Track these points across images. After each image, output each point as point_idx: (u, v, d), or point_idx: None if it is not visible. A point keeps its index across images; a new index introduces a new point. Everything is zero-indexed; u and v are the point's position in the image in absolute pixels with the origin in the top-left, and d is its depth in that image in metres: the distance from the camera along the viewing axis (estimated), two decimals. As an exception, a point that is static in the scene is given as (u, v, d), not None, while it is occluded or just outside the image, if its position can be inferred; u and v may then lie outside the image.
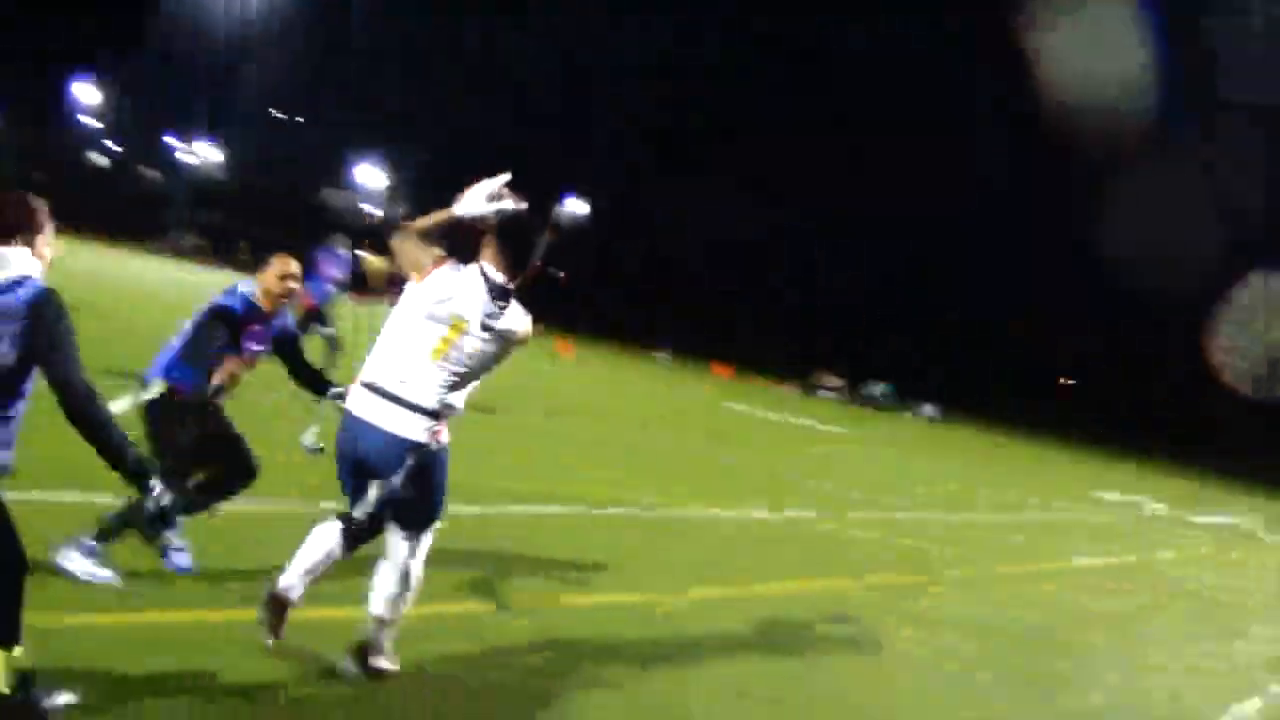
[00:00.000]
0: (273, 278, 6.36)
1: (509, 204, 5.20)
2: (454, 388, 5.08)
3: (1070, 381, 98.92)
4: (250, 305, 6.30)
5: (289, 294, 6.44)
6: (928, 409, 60.18)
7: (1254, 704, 8.87)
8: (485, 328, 5.06)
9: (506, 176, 5.25)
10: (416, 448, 4.99)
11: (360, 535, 5.16)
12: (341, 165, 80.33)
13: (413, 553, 5.21)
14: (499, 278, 5.12)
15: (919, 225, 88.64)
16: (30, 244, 4.01)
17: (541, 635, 6.59)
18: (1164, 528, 23.41)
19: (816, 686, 6.93)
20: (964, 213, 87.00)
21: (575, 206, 78.26)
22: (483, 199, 5.19)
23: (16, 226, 4.00)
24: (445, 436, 5.13)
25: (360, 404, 5.07)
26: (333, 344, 15.45)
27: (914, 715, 6.87)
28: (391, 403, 5.00)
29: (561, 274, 72.14)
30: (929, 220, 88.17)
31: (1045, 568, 13.98)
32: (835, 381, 62.79)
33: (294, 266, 6.44)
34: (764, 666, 7.07)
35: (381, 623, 5.21)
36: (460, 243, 5.24)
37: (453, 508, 5.45)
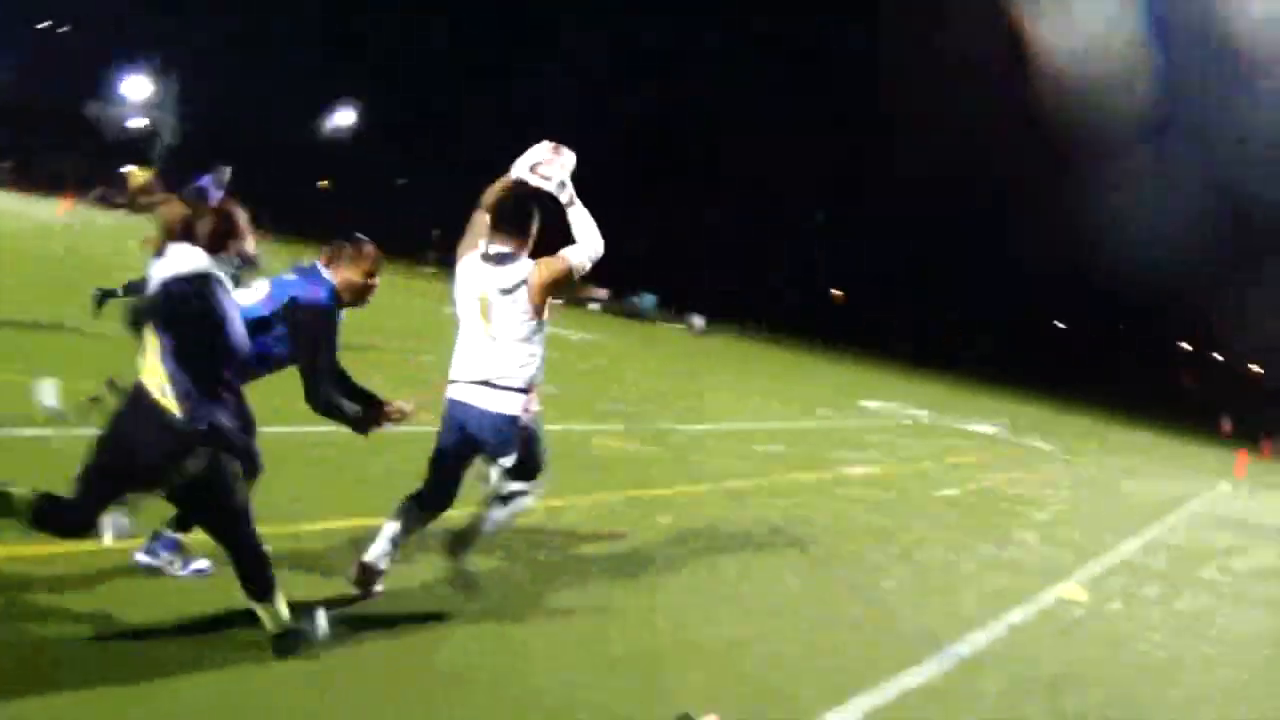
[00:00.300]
0: (361, 271, 5.69)
1: (553, 172, 6.02)
2: (524, 356, 5.98)
3: (839, 292, 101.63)
4: (336, 301, 5.64)
5: (371, 293, 5.79)
6: (696, 320, 60.67)
7: (1028, 610, 8.98)
8: (501, 291, 5.91)
9: (547, 149, 6.09)
10: (513, 421, 5.97)
11: (437, 507, 6.21)
12: (107, 77, 76.46)
13: (513, 500, 6.22)
14: (494, 248, 5.96)
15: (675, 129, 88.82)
16: (226, 250, 4.83)
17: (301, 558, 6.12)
18: (931, 436, 24.03)
19: (565, 601, 6.72)
20: (710, 118, 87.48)
21: (342, 117, 77.05)
22: (525, 165, 6.05)
23: (214, 238, 4.81)
24: (535, 405, 6.10)
25: (460, 391, 6.02)
26: None
27: (671, 625, 6.68)
28: (484, 386, 5.95)
29: (323, 182, 70.54)
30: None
31: (813, 478, 14.04)
32: (601, 293, 62.69)
33: (378, 259, 5.79)
34: (528, 584, 6.91)
35: (463, 537, 6.30)
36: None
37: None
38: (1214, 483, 25.78)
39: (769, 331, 70.06)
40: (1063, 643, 8.29)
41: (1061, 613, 9.24)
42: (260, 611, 4.95)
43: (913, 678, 6.63)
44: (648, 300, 65.15)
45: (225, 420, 4.66)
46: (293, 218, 45.76)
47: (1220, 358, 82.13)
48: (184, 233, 4.79)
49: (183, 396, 4.56)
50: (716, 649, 6.52)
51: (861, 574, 9.14)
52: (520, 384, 5.95)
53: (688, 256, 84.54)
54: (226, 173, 15.17)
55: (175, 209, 4.83)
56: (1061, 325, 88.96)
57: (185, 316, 4.63)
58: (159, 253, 4.77)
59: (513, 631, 6.11)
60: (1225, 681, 8.23)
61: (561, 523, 8.71)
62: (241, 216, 4.98)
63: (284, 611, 5.00)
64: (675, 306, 64.88)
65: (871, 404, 29.10)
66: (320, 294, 5.54)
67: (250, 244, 5.00)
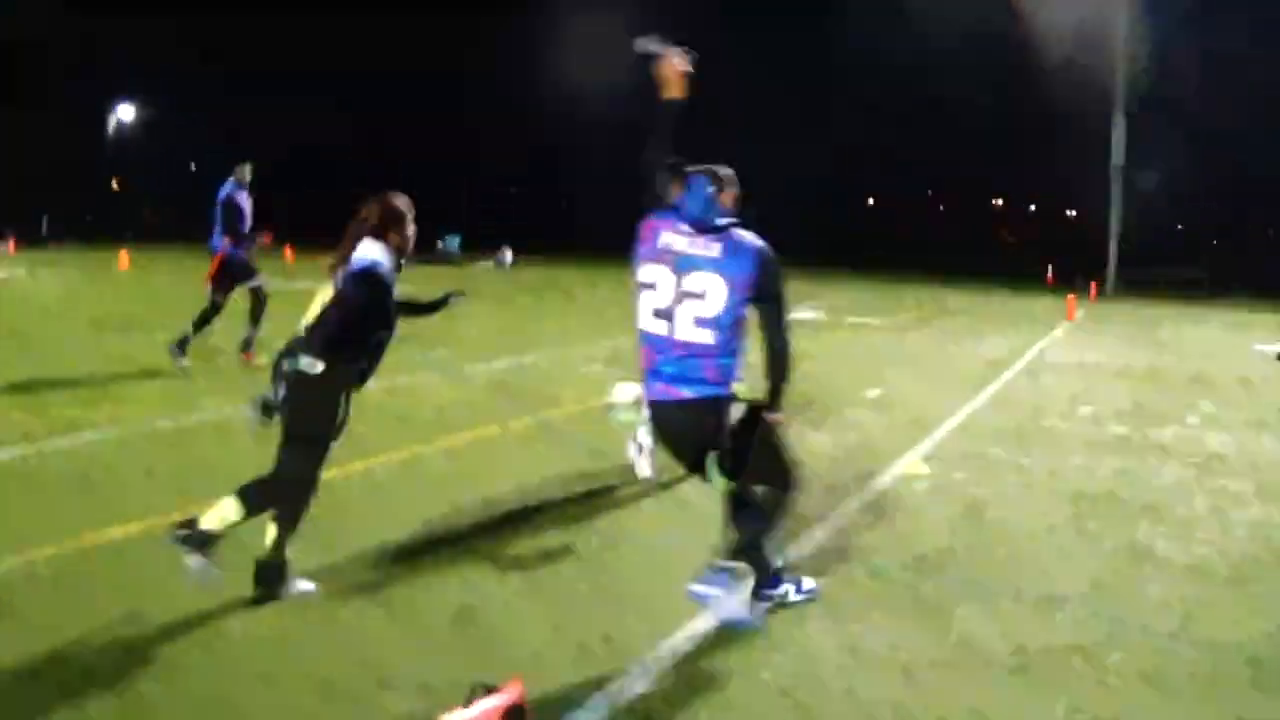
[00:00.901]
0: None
1: None
2: None
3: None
4: None
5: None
6: (504, 253, 59.60)
7: (865, 497, 8.75)
8: None
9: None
10: None
11: None
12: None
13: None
14: None
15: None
16: (384, 237, 5.76)
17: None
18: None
19: (421, 555, 6.22)
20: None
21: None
22: None
23: (376, 226, 5.77)
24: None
25: None
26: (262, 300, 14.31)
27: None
28: None
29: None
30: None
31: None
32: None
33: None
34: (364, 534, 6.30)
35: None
36: None
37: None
38: (1048, 330, 26.16)
39: (574, 257, 69.63)
40: (913, 522, 8.00)
41: (904, 491, 8.99)
42: (272, 528, 5.71)
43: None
44: (452, 242, 63.88)
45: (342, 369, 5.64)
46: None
47: (1034, 208, 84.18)
48: (368, 230, 5.78)
49: (318, 339, 5.53)
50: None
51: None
52: None
53: (485, 193, 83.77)
54: (247, 170, 14.17)
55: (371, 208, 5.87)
56: (872, 200, 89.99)
57: (354, 298, 5.60)
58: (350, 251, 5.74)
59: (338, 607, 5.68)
60: (1080, 541, 8.03)
61: (429, 468, 8.14)
62: (397, 207, 5.83)
63: (281, 549, 5.74)
64: (480, 243, 63.78)
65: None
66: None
67: (409, 231, 5.87)
